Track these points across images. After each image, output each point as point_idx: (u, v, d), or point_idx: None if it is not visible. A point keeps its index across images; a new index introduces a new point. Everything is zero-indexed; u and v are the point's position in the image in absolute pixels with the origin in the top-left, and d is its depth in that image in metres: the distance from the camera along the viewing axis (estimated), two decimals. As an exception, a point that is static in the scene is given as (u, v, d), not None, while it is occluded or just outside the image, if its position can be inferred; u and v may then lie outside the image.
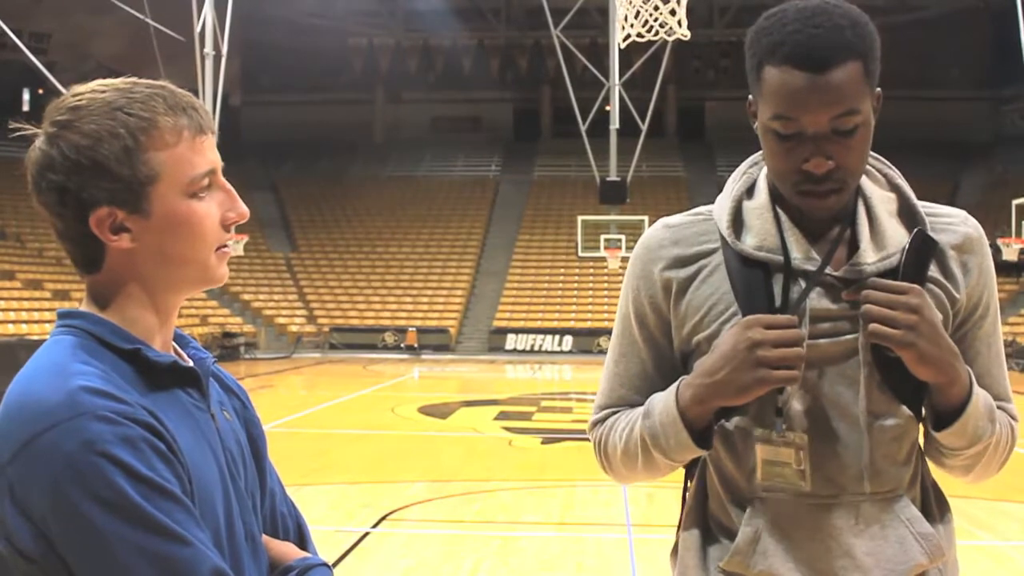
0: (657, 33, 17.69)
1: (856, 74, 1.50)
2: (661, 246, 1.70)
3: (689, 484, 1.77)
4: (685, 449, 1.60)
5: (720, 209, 1.69)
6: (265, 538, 1.43)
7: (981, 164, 39.62)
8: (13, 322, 24.48)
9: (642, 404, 1.68)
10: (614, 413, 1.74)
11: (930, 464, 1.71)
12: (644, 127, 27.07)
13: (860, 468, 1.59)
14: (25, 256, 29.69)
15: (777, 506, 1.61)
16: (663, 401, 1.62)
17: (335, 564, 6.35)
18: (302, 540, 1.51)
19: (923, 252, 1.59)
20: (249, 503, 1.37)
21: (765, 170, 1.68)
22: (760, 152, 1.70)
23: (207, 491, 1.26)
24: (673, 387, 1.62)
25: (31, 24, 36.10)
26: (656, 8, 17.37)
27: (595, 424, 1.76)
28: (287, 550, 1.45)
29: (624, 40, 18.18)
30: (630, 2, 17.47)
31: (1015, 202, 24.35)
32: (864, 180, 1.66)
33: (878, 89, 1.58)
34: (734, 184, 1.71)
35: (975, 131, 41.58)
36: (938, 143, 38.50)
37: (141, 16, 22.82)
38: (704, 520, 1.71)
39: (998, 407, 1.64)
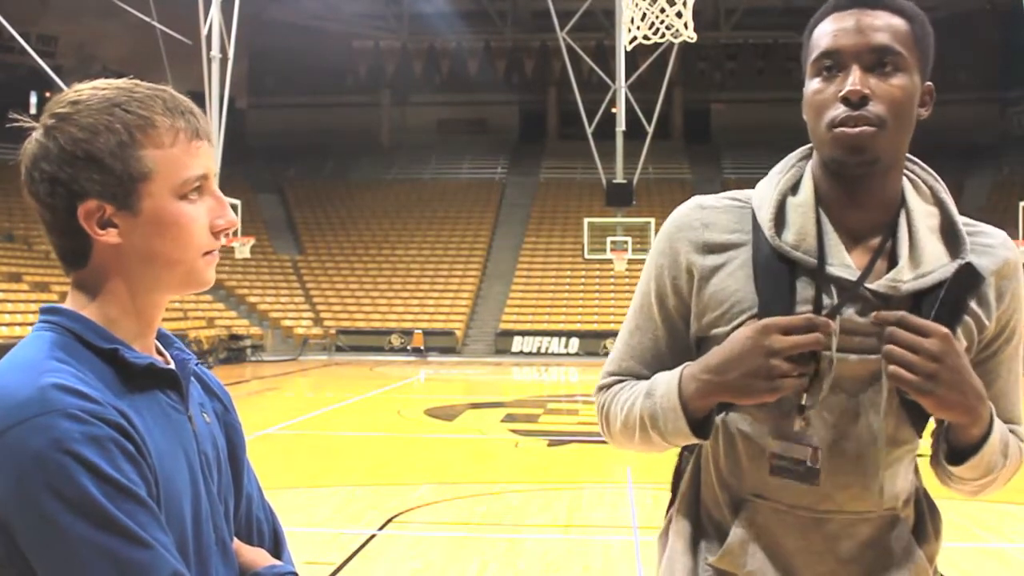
0: (663, 35, 17.72)
1: (902, 29, 1.53)
2: (691, 227, 1.65)
3: (683, 463, 1.77)
4: (682, 436, 1.59)
5: (761, 200, 1.63)
6: (236, 543, 1.42)
7: (987, 166, 39.48)
8: (20, 324, 24.49)
9: (649, 378, 1.66)
10: (620, 381, 1.73)
11: (933, 477, 1.70)
12: (650, 129, 27.06)
13: (862, 488, 1.58)
14: (32, 259, 29.73)
15: (770, 512, 1.60)
16: (666, 385, 1.59)
17: (341, 566, 6.36)
18: (277, 547, 1.50)
19: (967, 287, 1.54)
20: (221, 508, 1.37)
21: (811, 166, 1.64)
22: (808, 146, 1.65)
23: (175, 494, 1.25)
24: (677, 372, 1.59)
25: (38, 27, 36.22)
26: (662, 10, 17.41)
27: (600, 389, 1.76)
28: (257, 557, 1.43)
29: (630, 42, 18.20)
30: (636, 4, 17.50)
31: (1022, 204, 24.33)
32: (909, 191, 1.62)
33: (929, 83, 1.58)
34: (780, 176, 1.65)
35: (981, 133, 41.44)
36: (944, 145, 38.28)
37: (148, 19, 22.88)
38: (696, 511, 1.71)
39: (1010, 430, 1.62)
